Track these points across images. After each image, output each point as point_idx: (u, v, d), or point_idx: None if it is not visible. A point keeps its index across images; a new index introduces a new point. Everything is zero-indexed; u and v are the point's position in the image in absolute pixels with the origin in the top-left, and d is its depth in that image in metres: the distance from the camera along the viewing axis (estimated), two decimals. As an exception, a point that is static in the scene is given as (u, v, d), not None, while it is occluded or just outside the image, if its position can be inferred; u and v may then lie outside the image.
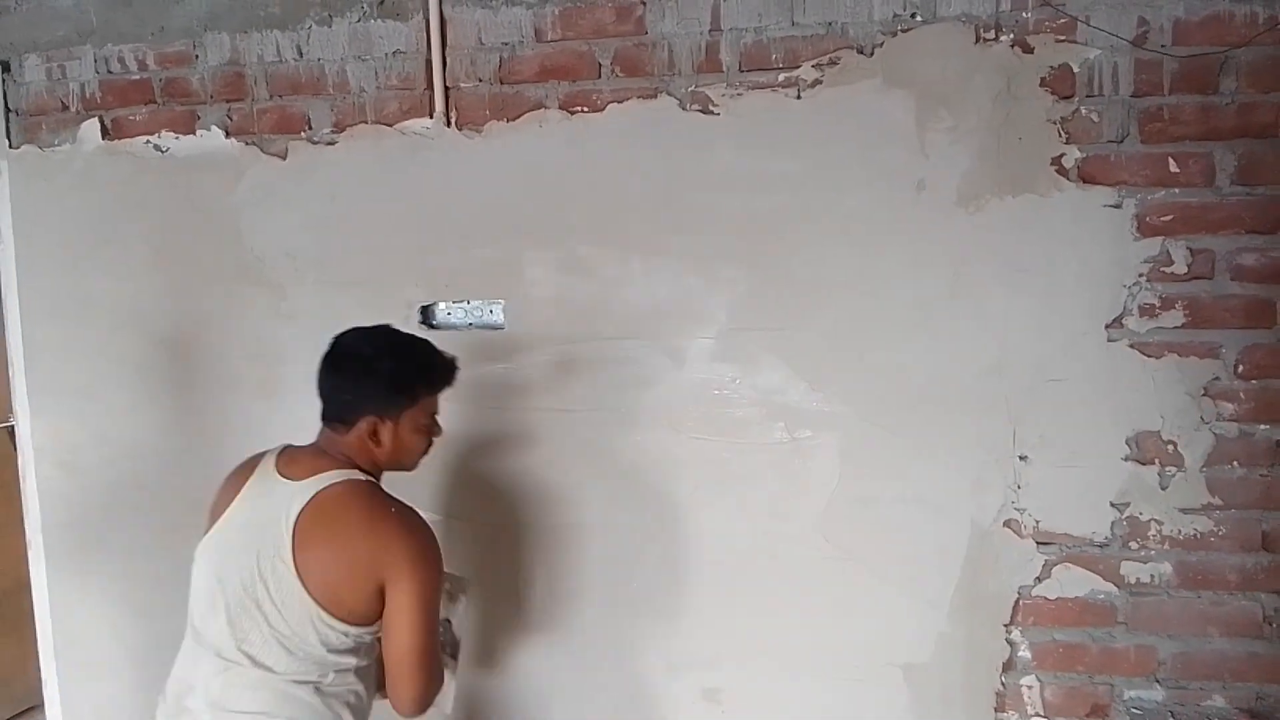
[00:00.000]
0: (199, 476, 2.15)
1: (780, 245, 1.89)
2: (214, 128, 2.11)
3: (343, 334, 1.57)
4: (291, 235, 2.08)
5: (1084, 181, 1.77)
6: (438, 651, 1.47)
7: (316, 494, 1.44)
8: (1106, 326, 1.78)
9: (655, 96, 1.91)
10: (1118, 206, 1.76)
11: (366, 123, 2.03)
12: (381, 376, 1.51)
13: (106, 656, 2.26)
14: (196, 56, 2.11)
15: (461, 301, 2.04)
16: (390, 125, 2.02)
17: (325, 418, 1.56)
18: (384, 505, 1.47)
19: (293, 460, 1.54)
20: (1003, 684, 1.88)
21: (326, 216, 2.06)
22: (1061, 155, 1.77)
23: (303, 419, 2.08)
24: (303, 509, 1.43)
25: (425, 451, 1.59)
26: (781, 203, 1.88)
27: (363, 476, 1.49)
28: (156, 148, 2.14)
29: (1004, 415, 1.83)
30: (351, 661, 1.47)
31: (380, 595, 1.42)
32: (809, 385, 1.90)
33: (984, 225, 1.81)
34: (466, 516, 2.05)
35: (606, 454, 1.99)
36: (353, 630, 1.44)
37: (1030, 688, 1.87)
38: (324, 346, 2.02)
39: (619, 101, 1.92)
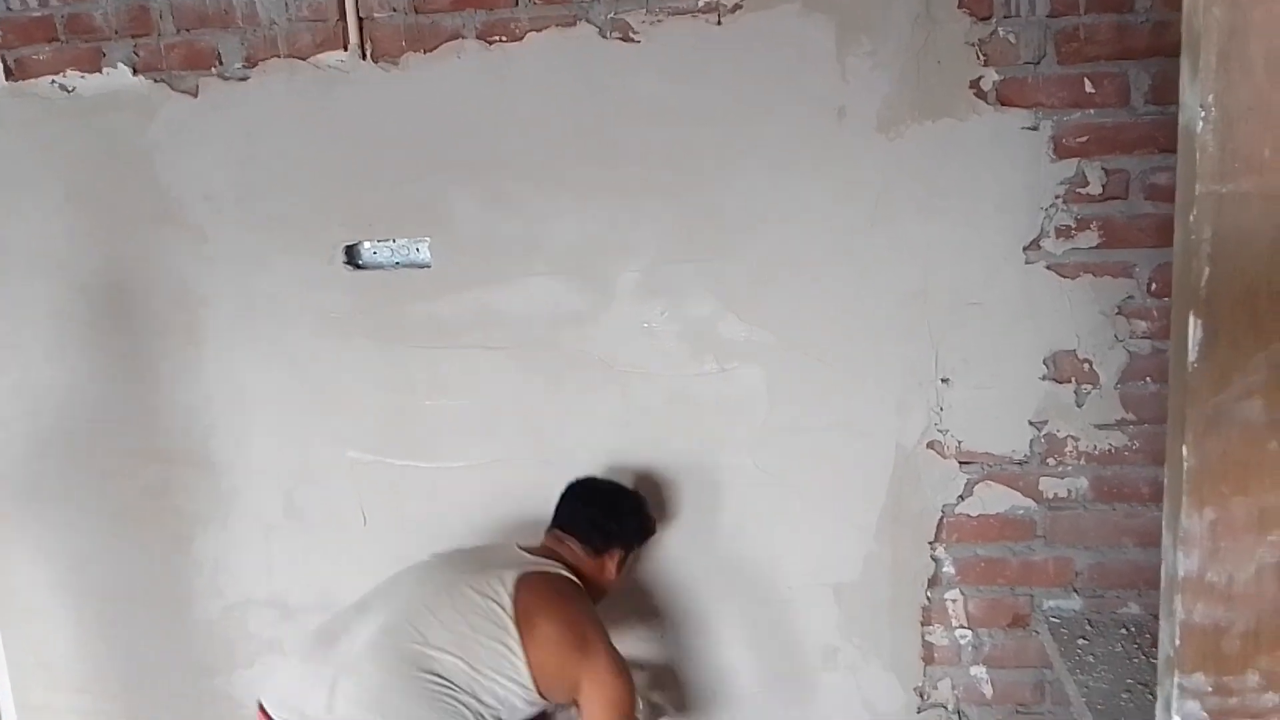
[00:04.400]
0: (128, 424, 2.15)
1: (705, 176, 1.88)
2: (121, 65, 2.03)
3: (602, 480, 1.87)
4: (209, 175, 2.03)
5: (1001, 104, 1.78)
6: None
7: (551, 570, 1.65)
8: (1024, 249, 1.81)
9: (574, 24, 1.87)
10: (1035, 129, 1.77)
11: (279, 56, 1.97)
12: (640, 522, 1.84)
13: (46, 606, 2.25)
14: (99, -10, 2.02)
15: (387, 240, 2.02)
16: (304, 59, 1.96)
17: (574, 530, 1.76)
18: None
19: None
20: (928, 599, 1.94)
21: (244, 155, 2.01)
22: (979, 78, 1.77)
23: (231, 364, 2.09)
24: (540, 570, 1.62)
25: (605, 595, 1.80)
26: (705, 132, 1.86)
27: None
28: (63, 87, 2.06)
29: (926, 340, 1.86)
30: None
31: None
32: (736, 316, 1.91)
33: (904, 151, 1.81)
34: (399, 455, 2.06)
35: (537, 391, 1.99)
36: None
37: (954, 601, 1.94)
38: (249, 287, 2.03)
39: (538, 30, 1.88)
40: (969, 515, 1.91)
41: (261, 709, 1.57)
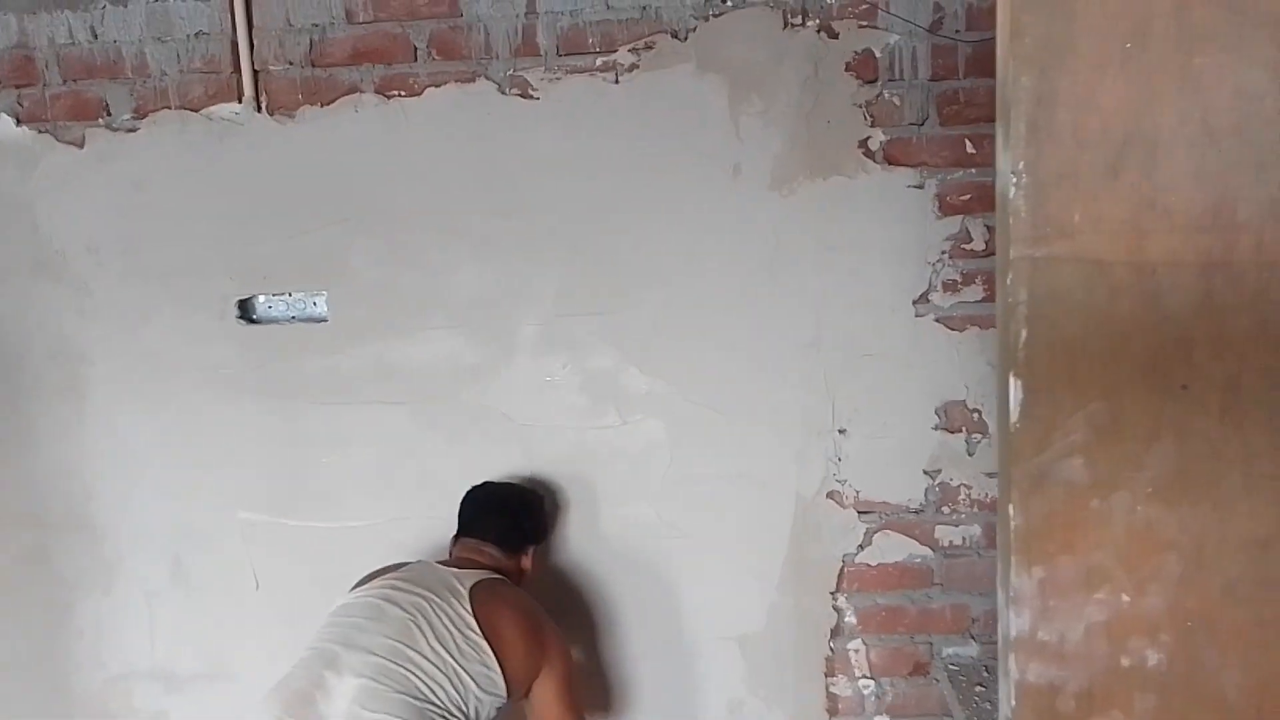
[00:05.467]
0: (2, 487, 2.03)
1: (604, 230, 1.90)
2: (3, 115, 1.96)
3: (500, 483, 1.89)
4: (93, 227, 1.96)
5: (889, 163, 1.84)
6: None
7: (486, 578, 1.66)
8: (914, 302, 1.86)
9: (473, 80, 1.88)
10: (920, 187, 1.84)
11: (170, 108, 1.93)
12: (545, 518, 1.89)
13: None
14: (-20, 38, 1.96)
15: (282, 294, 1.97)
16: (196, 110, 1.92)
17: (488, 535, 1.77)
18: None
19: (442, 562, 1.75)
20: (831, 649, 1.95)
21: (131, 207, 1.95)
22: (868, 138, 1.84)
23: (113, 423, 2.00)
24: (478, 581, 1.64)
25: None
26: (604, 187, 1.88)
27: None
28: (-60, 136, 1.99)
29: (822, 391, 1.90)
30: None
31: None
32: (637, 368, 1.92)
33: (797, 207, 1.86)
34: (294, 515, 1.99)
35: (437, 446, 1.96)
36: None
37: (857, 651, 1.95)
38: (134, 343, 1.97)
39: (436, 85, 1.88)
40: (869, 564, 1.93)
41: None
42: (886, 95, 1.83)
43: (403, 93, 1.89)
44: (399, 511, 1.97)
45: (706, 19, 1.83)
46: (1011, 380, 1.14)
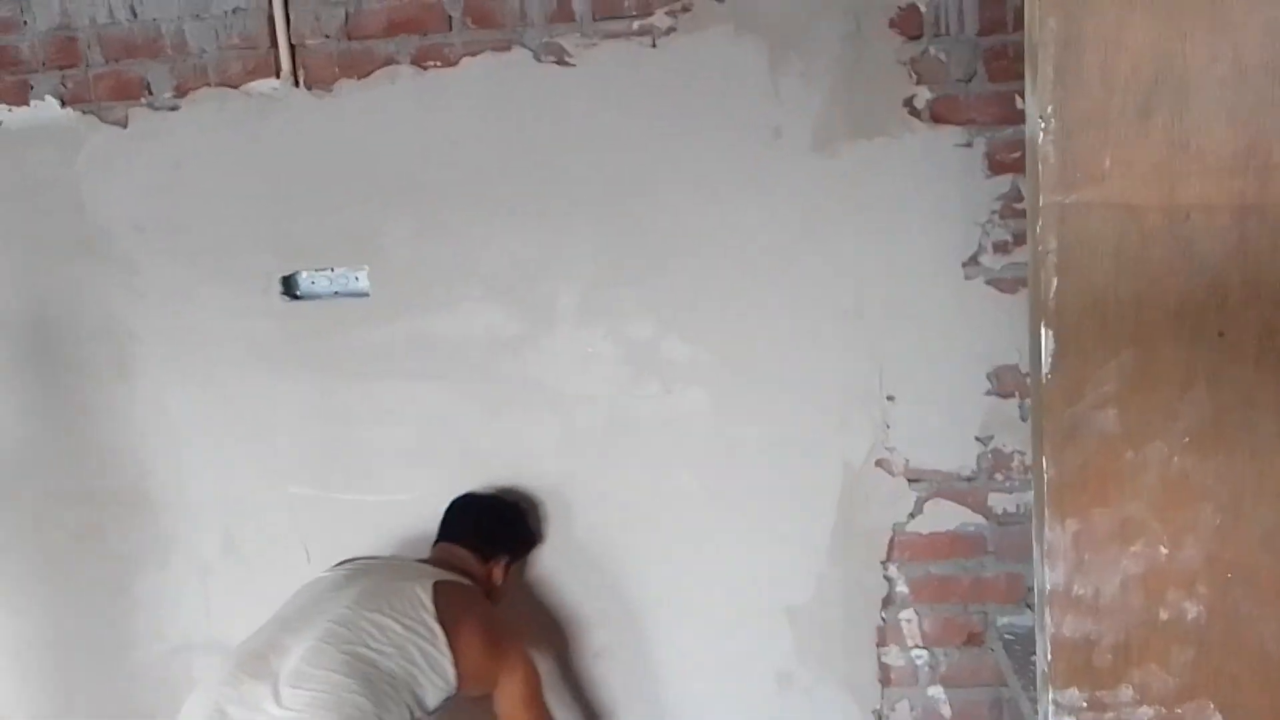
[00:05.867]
0: (58, 464, 2.08)
1: (642, 197, 1.87)
2: (48, 97, 1.99)
3: (481, 493, 1.93)
4: (139, 206, 1.98)
5: (935, 122, 1.79)
6: None
7: (454, 579, 1.71)
8: (963, 265, 1.81)
9: (509, 49, 1.86)
10: (968, 145, 1.78)
11: (210, 85, 1.93)
12: (523, 531, 1.92)
13: (-25, 658, 2.16)
14: (25, 22, 1.98)
15: (325, 270, 1.98)
16: (235, 87, 1.93)
17: (462, 540, 1.82)
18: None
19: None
20: (883, 619, 1.92)
21: (175, 185, 1.97)
22: (912, 96, 1.78)
23: (162, 402, 2.03)
24: (446, 579, 1.68)
25: (496, 602, 1.86)
26: (642, 154, 1.85)
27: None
28: (-11, 121, 2.02)
29: (869, 357, 1.86)
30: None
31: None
32: (678, 337, 1.89)
33: (840, 169, 1.81)
34: (341, 489, 2.01)
35: (478, 419, 1.95)
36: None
37: (909, 621, 1.92)
38: (180, 320, 1.99)
39: (472, 55, 1.87)
40: (920, 533, 1.89)
41: None
42: (932, 51, 1.77)
43: (439, 63, 1.87)
44: (442, 484, 1.97)
45: (745, -23, 1.79)
46: (1043, 331, 1.11)
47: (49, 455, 2.06)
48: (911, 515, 1.89)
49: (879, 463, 1.88)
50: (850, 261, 1.84)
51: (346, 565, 1.76)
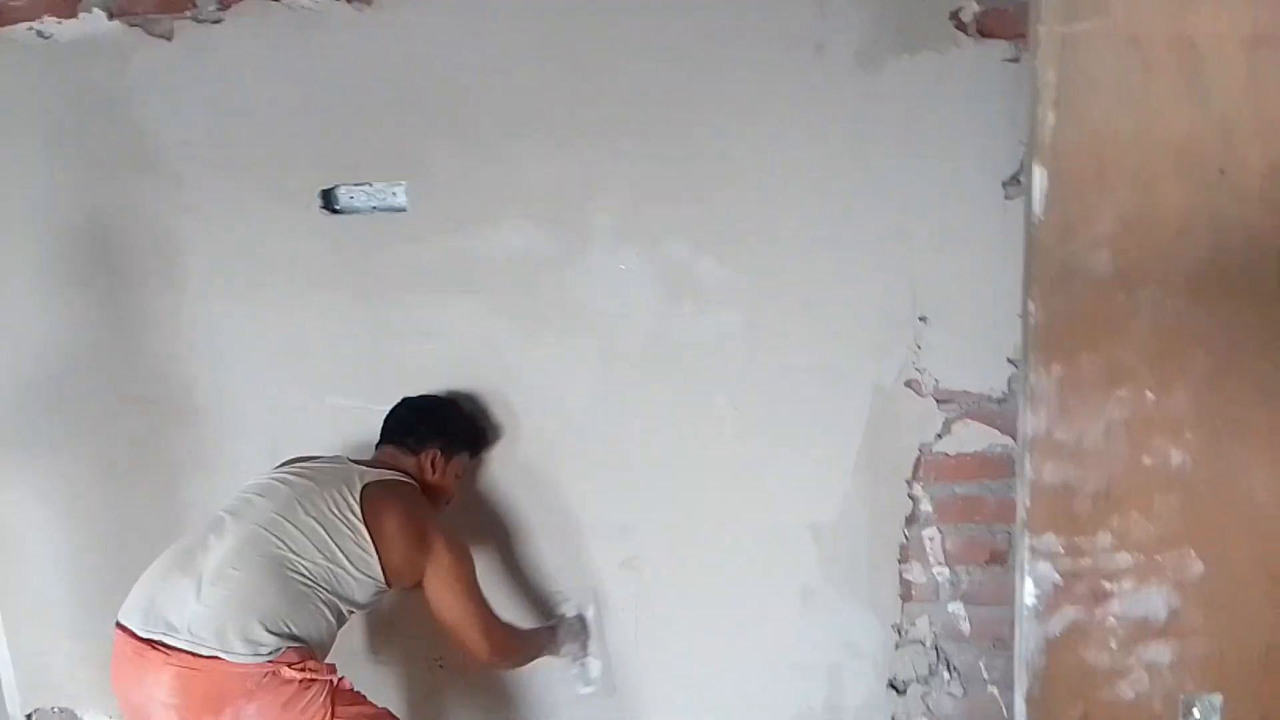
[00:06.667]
0: (112, 372, 2.16)
1: (680, 115, 1.86)
2: (96, 10, 2.01)
3: (410, 396, 1.98)
4: (185, 121, 2.02)
5: (982, 35, 1.75)
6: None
7: (386, 478, 1.78)
8: (1004, 184, 1.79)
9: (550, -39, 1.85)
10: (1016, 60, 1.75)
11: (253, -2, 1.95)
12: (455, 424, 1.94)
13: (40, 553, 2.28)
14: (73, -66, 2.00)
15: (364, 184, 2.01)
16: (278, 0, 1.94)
17: (394, 439, 1.90)
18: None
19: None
20: (906, 537, 1.95)
21: (220, 99, 2.00)
22: (959, 9, 1.75)
23: (209, 313, 2.09)
24: (377, 479, 1.75)
25: (448, 501, 1.95)
26: (681, 71, 1.84)
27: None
28: (40, 34, 2.05)
29: (904, 278, 1.86)
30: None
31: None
32: (714, 258, 1.90)
33: (883, 86, 1.79)
34: (380, 400, 2.06)
35: (515, 336, 1.99)
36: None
37: (932, 539, 1.95)
38: (226, 234, 2.03)
39: (514, -32, 1.86)
40: (947, 454, 1.91)
41: (121, 627, 1.61)
42: (980, -38, 1.73)
43: (480, -24, 1.87)
44: (479, 395, 2.03)
45: (789, -114, 1.75)
46: (1036, 170, 1.08)
47: (104, 363, 2.13)
48: (939, 436, 1.90)
49: (909, 383, 1.89)
50: (891, 181, 1.82)
51: (286, 467, 1.82)
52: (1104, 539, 1.12)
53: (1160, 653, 1.10)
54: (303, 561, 1.62)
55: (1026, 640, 1.14)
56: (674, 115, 1.86)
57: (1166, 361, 1.08)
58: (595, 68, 1.87)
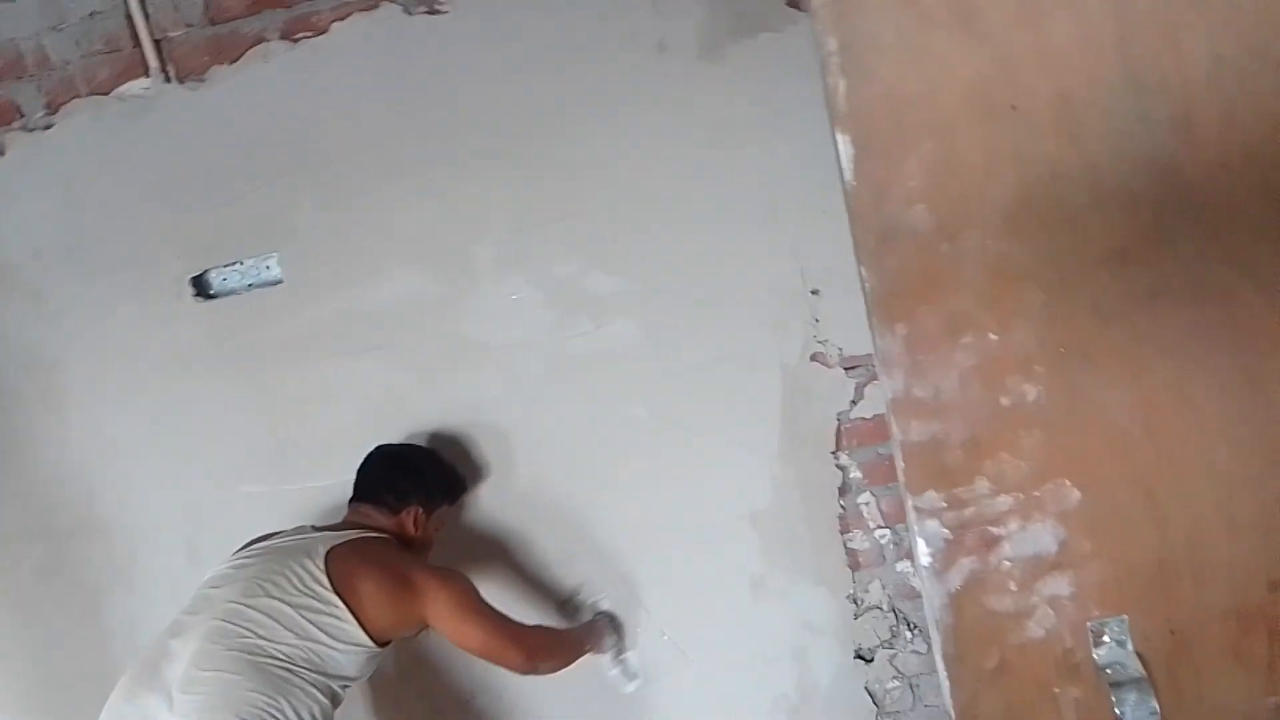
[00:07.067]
0: (5, 503, 2.04)
1: (540, 134, 1.86)
2: (-82, 134, 1.93)
3: (390, 445, 1.88)
4: (33, 233, 1.95)
5: (812, 10, 1.79)
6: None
7: (354, 538, 1.67)
8: (863, 148, 1.83)
9: (377, 6, 1.84)
10: (848, 28, 1.79)
11: (81, 96, 1.89)
12: (433, 477, 1.83)
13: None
14: (-120, 63, 1.91)
15: (234, 264, 1.95)
16: (107, 93, 1.89)
17: (371, 497, 1.78)
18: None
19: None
20: (842, 507, 1.96)
21: (65, 205, 1.93)
22: (788, -12, 1.79)
23: (97, 426, 2.00)
24: (343, 541, 1.64)
25: (428, 550, 1.84)
26: (532, 89, 1.85)
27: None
28: None
29: (789, 257, 1.88)
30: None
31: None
32: (601, 270, 1.90)
33: (729, 73, 1.82)
34: (291, 479, 2.00)
35: (416, 385, 1.95)
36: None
37: (867, 504, 1.96)
38: (98, 340, 1.95)
39: (341, 19, 1.84)
40: (864, 418, 1.93)
41: None
42: (799, -61, 1.77)
43: (309, 33, 1.85)
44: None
45: (600, -104, 1.77)
46: (839, 138, 1.09)
47: (-5, 496, 2.03)
48: (853, 402, 1.92)
49: (814, 357, 1.91)
50: (757, 164, 1.85)
51: (244, 551, 1.71)
52: (981, 485, 1.13)
53: (1059, 585, 1.11)
54: (275, 646, 1.51)
55: (931, 600, 1.14)
56: (534, 134, 1.86)
57: (1001, 302, 1.09)
58: (446, 101, 1.86)
